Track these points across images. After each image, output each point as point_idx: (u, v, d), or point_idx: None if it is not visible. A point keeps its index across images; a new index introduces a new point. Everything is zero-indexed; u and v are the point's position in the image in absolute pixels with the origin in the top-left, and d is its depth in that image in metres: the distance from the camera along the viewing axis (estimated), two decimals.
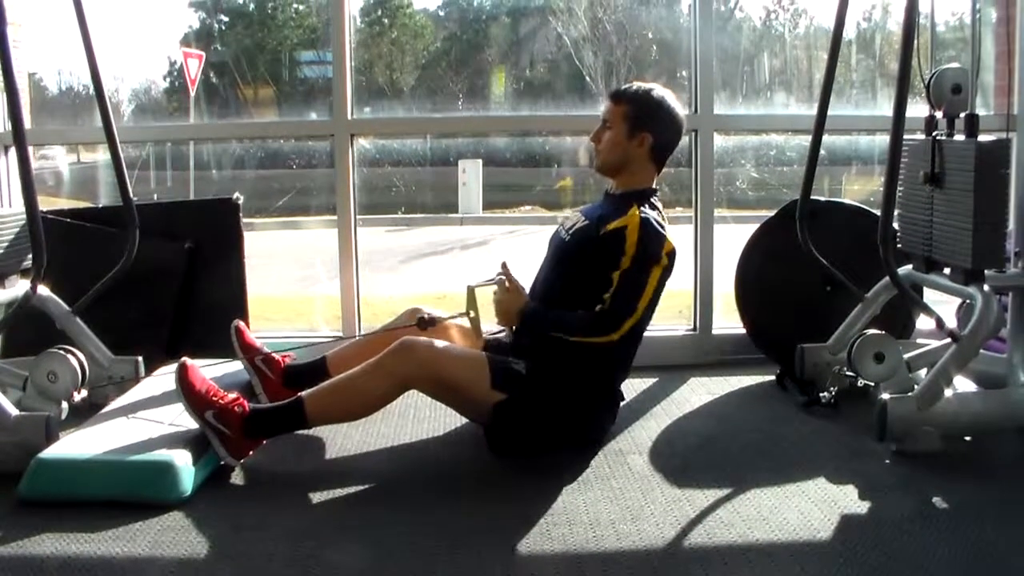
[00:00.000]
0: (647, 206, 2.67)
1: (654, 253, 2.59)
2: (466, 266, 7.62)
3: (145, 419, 2.63)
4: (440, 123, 5.14)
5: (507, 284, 2.69)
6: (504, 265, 2.73)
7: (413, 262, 7.93)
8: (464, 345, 2.78)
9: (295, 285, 6.47)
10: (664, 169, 2.81)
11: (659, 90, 2.77)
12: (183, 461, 2.35)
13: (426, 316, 2.76)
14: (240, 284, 3.47)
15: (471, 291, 2.71)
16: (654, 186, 2.78)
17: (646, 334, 2.71)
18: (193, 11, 10.13)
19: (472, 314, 2.70)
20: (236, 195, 3.50)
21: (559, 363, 2.62)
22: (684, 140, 2.84)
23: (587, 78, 9.13)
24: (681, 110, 2.79)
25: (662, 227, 2.63)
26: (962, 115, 2.72)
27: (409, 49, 10.86)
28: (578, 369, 2.63)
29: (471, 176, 10.00)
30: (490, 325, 2.82)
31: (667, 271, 2.63)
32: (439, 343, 2.57)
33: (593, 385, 2.68)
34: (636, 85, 2.78)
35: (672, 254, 2.63)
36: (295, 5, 10.53)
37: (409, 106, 10.89)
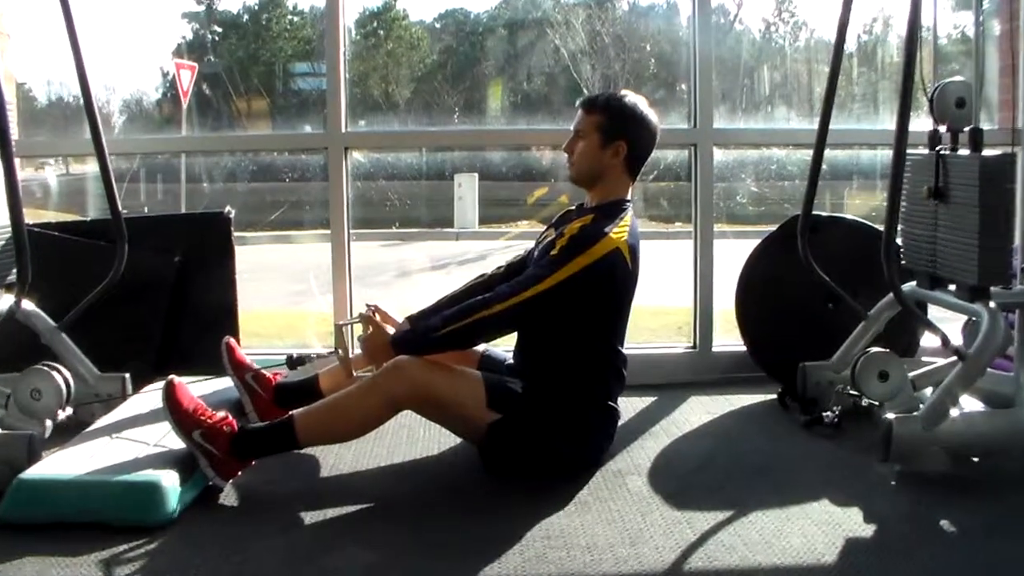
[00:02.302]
0: (619, 218, 2.60)
1: (583, 245, 2.50)
2: (461, 281, 7.60)
3: (131, 438, 2.59)
4: (436, 137, 5.12)
5: (371, 321, 2.67)
6: (368, 305, 2.76)
7: (407, 277, 7.91)
8: (339, 381, 2.71)
9: (287, 300, 6.46)
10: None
11: (631, 96, 2.72)
12: (170, 482, 2.30)
13: (294, 355, 2.94)
14: (231, 299, 3.44)
15: (339, 329, 2.78)
16: (628, 197, 2.71)
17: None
18: (186, 22, 10.17)
19: (341, 352, 2.69)
20: (227, 209, 3.48)
21: (555, 382, 2.59)
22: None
23: (585, 91, 9.14)
24: (654, 116, 2.73)
25: (608, 233, 2.54)
26: (966, 129, 2.69)
27: (405, 61, 10.89)
28: (574, 388, 2.59)
29: (467, 190, 10.01)
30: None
31: (600, 273, 2.52)
32: (433, 363, 2.52)
33: (590, 404, 2.63)
34: (608, 93, 2.73)
35: (608, 259, 2.52)
36: (289, 16, 10.55)
37: (404, 119, 10.92)
